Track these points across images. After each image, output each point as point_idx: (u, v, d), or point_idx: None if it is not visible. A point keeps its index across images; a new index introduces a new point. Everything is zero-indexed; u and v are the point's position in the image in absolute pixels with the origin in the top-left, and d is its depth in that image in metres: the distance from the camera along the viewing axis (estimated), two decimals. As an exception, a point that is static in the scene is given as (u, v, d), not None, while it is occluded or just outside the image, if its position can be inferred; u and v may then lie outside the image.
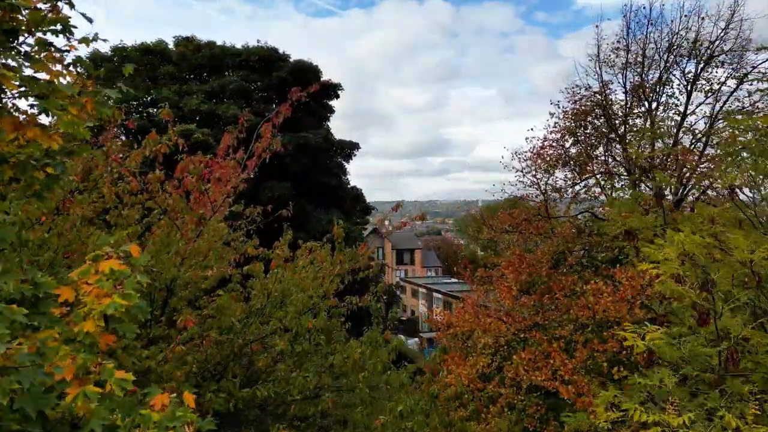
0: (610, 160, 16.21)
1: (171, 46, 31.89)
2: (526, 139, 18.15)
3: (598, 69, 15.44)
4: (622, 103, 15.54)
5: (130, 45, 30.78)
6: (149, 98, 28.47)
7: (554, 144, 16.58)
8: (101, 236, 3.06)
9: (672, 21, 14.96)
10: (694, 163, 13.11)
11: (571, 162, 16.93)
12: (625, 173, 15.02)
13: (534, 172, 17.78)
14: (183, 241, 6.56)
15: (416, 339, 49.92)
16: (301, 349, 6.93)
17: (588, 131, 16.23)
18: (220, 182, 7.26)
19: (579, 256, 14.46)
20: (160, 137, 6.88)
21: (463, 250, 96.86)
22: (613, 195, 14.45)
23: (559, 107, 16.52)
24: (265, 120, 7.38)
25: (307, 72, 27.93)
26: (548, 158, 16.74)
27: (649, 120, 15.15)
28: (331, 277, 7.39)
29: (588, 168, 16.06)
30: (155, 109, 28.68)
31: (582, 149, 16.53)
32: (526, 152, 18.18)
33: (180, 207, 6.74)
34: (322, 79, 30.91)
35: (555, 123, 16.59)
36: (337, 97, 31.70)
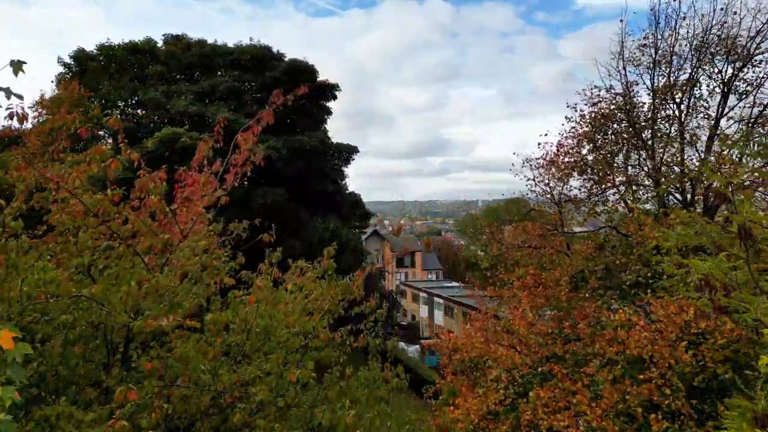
0: (632, 168, 14.71)
1: (161, 44, 30.40)
2: (539, 144, 16.67)
3: (622, 68, 13.91)
4: (649, 106, 14.02)
5: (116, 43, 29.29)
6: (135, 99, 26.95)
7: (570, 151, 15.08)
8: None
9: (703, 15, 13.47)
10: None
11: (589, 170, 15.43)
12: (650, 183, 13.50)
13: (547, 181, 16.32)
14: (141, 276, 5.15)
15: (416, 346, 48.46)
16: (284, 404, 5.64)
17: (609, 137, 14.72)
18: (189, 202, 5.97)
19: (601, 276, 12.96)
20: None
21: (463, 250, 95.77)
22: (638, 207, 12.93)
23: (576, 110, 15.03)
24: (244, 128, 6.15)
25: (302, 72, 26.39)
26: (563, 166, 15.24)
27: (677, 124, 13.64)
28: (321, 312, 6.30)
29: (608, 177, 14.55)
30: (142, 111, 27.19)
31: (601, 156, 15.03)
32: (538, 159, 16.73)
33: (143, 231, 5.46)
34: (318, 79, 29.39)
35: (572, 128, 15.10)
36: (335, 98, 30.20)
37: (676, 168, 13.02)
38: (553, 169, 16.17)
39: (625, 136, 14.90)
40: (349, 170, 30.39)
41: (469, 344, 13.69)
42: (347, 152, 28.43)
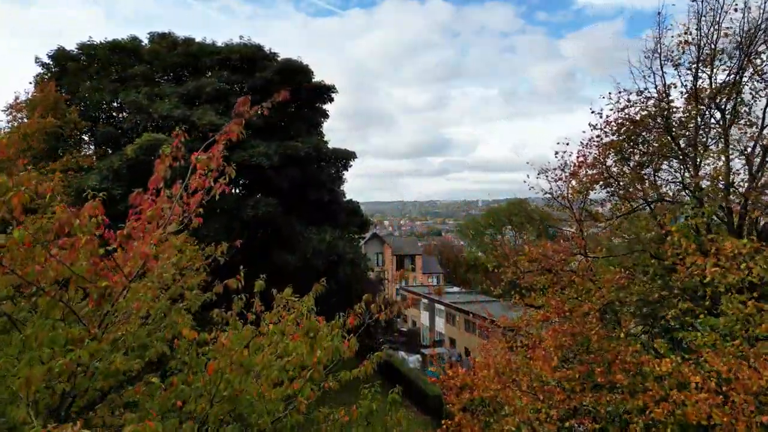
0: (665, 182, 12.92)
1: (146, 43, 28.55)
2: (556, 153, 14.90)
3: (658, 68, 12.10)
4: (686, 110, 12.21)
5: (98, 41, 27.44)
6: (117, 102, 25.12)
7: (594, 161, 13.30)
8: None
9: (750, 8, 11.66)
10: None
11: (614, 182, 13.65)
12: (690, 201, 11.70)
13: (566, 194, 14.55)
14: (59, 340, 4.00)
15: (417, 356, 46.68)
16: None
17: (639, 146, 12.92)
18: (129, 241, 4.84)
19: (635, 310, 11.20)
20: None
21: (465, 254, 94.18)
22: (677, 229, 11.15)
23: (601, 116, 13.22)
24: (209, 143, 5.22)
25: (296, 73, 24.56)
26: (586, 179, 13.46)
27: (721, 133, 11.85)
28: (303, 379, 5.37)
29: (637, 192, 12.76)
30: (123, 114, 25.37)
31: (630, 168, 13.27)
32: (555, 170, 14.97)
33: (78, 276, 4.28)
34: (314, 80, 27.60)
35: (597, 136, 13.30)
36: (331, 100, 28.39)
37: (720, 184, 11.25)
38: (574, 182, 14.40)
39: (656, 144, 13.11)
40: (348, 174, 28.55)
41: (482, 385, 11.93)
42: (344, 158, 26.60)
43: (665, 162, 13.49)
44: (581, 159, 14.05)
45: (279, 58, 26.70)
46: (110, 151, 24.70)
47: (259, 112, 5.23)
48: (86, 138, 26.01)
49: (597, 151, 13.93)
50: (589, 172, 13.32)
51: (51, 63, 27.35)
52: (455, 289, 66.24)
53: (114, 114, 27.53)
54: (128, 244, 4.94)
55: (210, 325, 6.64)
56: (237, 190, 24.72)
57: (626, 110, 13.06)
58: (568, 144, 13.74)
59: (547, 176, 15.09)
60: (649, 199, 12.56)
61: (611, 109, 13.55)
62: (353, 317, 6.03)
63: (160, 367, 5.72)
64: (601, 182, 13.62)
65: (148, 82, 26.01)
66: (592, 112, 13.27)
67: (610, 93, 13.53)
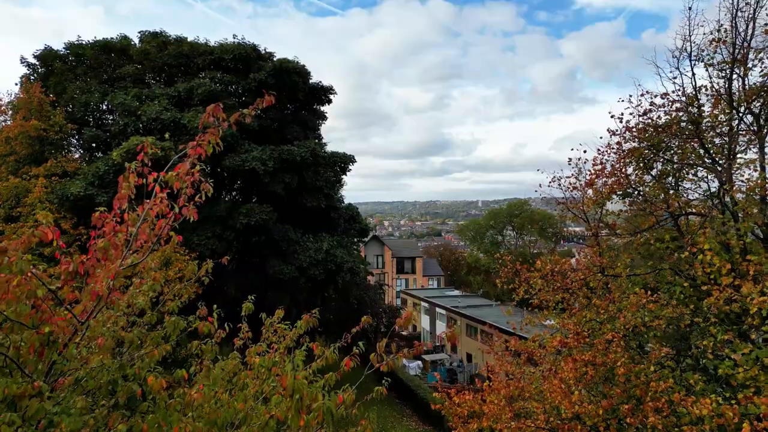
0: (691, 194, 11.84)
1: (137, 43, 27.42)
2: (569, 160, 13.85)
3: (689, 68, 10.99)
4: (714, 115, 11.13)
5: (86, 41, 26.32)
6: (105, 104, 24.01)
7: (613, 170, 12.23)
8: None
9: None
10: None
11: (636, 193, 12.59)
12: (722, 216, 10.61)
13: (581, 205, 13.49)
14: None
15: (418, 362, 45.61)
16: None
17: (664, 154, 11.85)
18: (71, 280, 4.09)
19: (662, 336, 10.12)
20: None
21: (466, 256, 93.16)
22: (708, 246, 10.08)
23: (621, 121, 12.15)
24: (181, 155, 4.58)
25: (291, 73, 23.44)
26: (604, 189, 12.39)
27: (755, 137, 10.77)
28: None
29: (660, 204, 11.67)
30: (112, 117, 24.26)
31: (651, 177, 12.20)
32: (569, 177, 13.92)
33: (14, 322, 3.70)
34: (311, 81, 26.50)
35: (617, 142, 12.23)
36: (329, 101, 27.27)
37: (756, 197, 10.18)
38: (590, 191, 13.33)
39: (680, 151, 12.03)
40: (348, 176, 27.39)
41: (491, 411, 10.87)
42: (343, 162, 25.50)
43: (690, 171, 12.44)
44: (599, 166, 13.01)
45: (275, 58, 25.59)
46: (99, 155, 23.62)
47: (241, 118, 4.65)
48: (73, 141, 24.90)
49: (615, 158, 12.89)
50: (608, 181, 12.27)
51: (37, 63, 26.26)
52: (455, 292, 65.23)
53: (102, 116, 26.42)
54: (68, 283, 4.14)
55: (190, 358, 6.14)
56: (230, 196, 23.63)
57: (649, 114, 12.02)
58: (585, 151, 12.67)
59: (560, 184, 14.07)
60: (675, 212, 11.48)
61: (631, 113, 12.52)
62: (349, 361, 5.08)
63: (131, 410, 4.91)
64: (620, 192, 12.58)
65: (137, 83, 24.89)
66: (612, 117, 12.20)
67: (630, 96, 12.49)
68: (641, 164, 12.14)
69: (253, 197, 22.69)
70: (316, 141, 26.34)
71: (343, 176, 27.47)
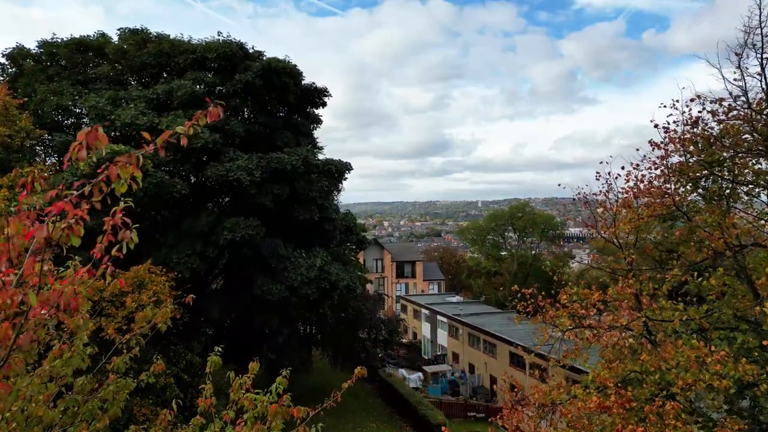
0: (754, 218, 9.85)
1: (117, 40, 25.35)
2: (597, 175, 11.84)
3: (759, 66, 8.97)
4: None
5: (60, 39, 24.24)
6: (79, 107, 21.96)
7: (658, 190, 10.24)
8: None
9: None
10: None
11: (682, 215, 10.58)
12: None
13: (614, 228, 11.49)
14: None
15: (419, 374, 43.63)
16: None
17: (720, 170, 9.86)
18: None
19: (730, 400, 8.17)
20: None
21: (466, 259, 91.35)
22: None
23: (667, 131, 10.15)
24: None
25: (281, 74, 21.35)
26: (646, 212, 10.38)
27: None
28: None
29: (716, 234, 9.66)
30: (85, 121, 22.20)
31: (702, 197, 10.24)
32: (596, 194, 11.95)
33: None
34: (304, 82, 24.45)
35: (660, 157, 10.24)
36: (324, 104, 25.21)
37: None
38: (624, 211, 11.33)
39: (735, 166, 10.03)
40: (347, 178, 25.34)
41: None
42: (338, 170, 23.44)
43: (743, 188, 10.44)
44: (636, 186, 11.00)
45: (265, 57, 23.53)
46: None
47: (173, 139, 3.35)
48: (45, 148, 22.86)
49: (654, 174, 10.89)
50: (651, 200, 10.27)
51: (7, 63, 24.21)
52: (456, 298, 63.29)
53: (80, 120, 24.35)
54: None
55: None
56: (214, 209, 21.58)
57: (697, 123, 10.02)
58: (611, 165, 10.71)
59: (587, 201, 12.08)
60: (733, 244, 9.46)
61: (675, 122, 10.51)
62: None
63: None
64: (663, 213, 10.55)
65: (115, 84, 22.84)
66: (656, 126, 10.21)
67: (674, 101, 10.46)
68: (690, 182, 10.17)
69: (240, 210, 20.65)
70: (310, 146, 24.30)
71: (340, 184, 25.47)
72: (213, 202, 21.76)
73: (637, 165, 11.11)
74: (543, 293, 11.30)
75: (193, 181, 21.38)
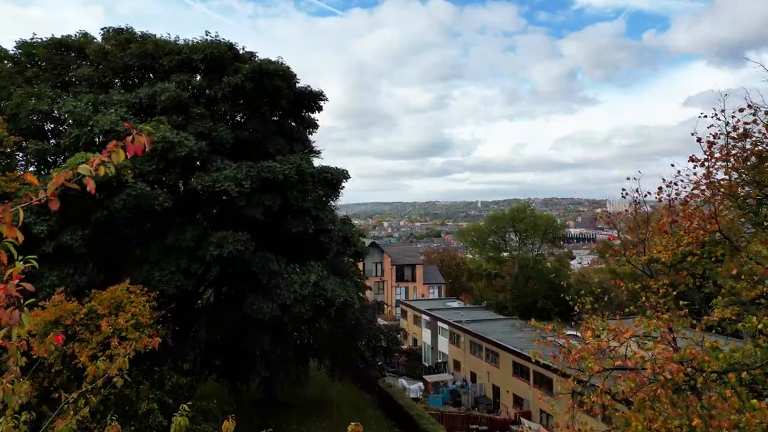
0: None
1: (100, 40, 23.90)
2: (623, 191, 10.41)
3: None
4: None
5: (39, 39, 22.80)
6: (58, 111, 20.52)
7: (703, 215, 8.85)
8: None
9: None
10: None
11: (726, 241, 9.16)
12: None
13: (647, 255, 10.07)
14: None
15: (419, 383, 42.23)
16: None
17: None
18: None
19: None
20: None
21: (467, 262, 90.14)
22: None
23: (712, 145, 8.75)
24: None
25: (273, 76, 19.91)
26: (686, 240, 8.98)
27: None
28: None
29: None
30: (63, 128, 20.77)
31: (753, 221, 8.86)
32: (625, 212, 10.61)
33: None
34: (298, 85, 23.01)
35: (704, 174, 8.82)
36: (320, 109, 23.78)
37: None
38: (657, 239, 9.91)
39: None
40: (344, 185, 23.92)
41: None
42: (335, 178, 22.01)
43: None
44: (670, 205, 9.59)
45: (257, 59, 22.10)
46: (47, 173, 20.19)
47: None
48: (20, 156, 21.41)
49: (692, 193, 9.47)
50: (694, 225, 8.87)
51: (-19, 65, 22.76)
52: (457, 303, 61.91)
53: (63, 126, 22.91)
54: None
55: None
56: (201, 223, 20.12)
57: (751, 137, 8.63)
58: (638, 179, 9.27)
59: (617, 223, 10.69)
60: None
61: (718, 135, 9.11)
62: None
63: None
64: (706, 240, 9.14)
65: (97, 87, 21.41)
66: (698, 141, 8.79)
67: (717, 111, 9.05)
68: (737, 204, 8.79)
69: (228, 222, 19.22)
70: (305, 153, 22.88)
71: (337, 192, 24.04)
72: (201, 213, 20.33)
73: (671, 183, 9.71)
74: (563, 332, 9.87)
75: (179, 191, 19.95)
